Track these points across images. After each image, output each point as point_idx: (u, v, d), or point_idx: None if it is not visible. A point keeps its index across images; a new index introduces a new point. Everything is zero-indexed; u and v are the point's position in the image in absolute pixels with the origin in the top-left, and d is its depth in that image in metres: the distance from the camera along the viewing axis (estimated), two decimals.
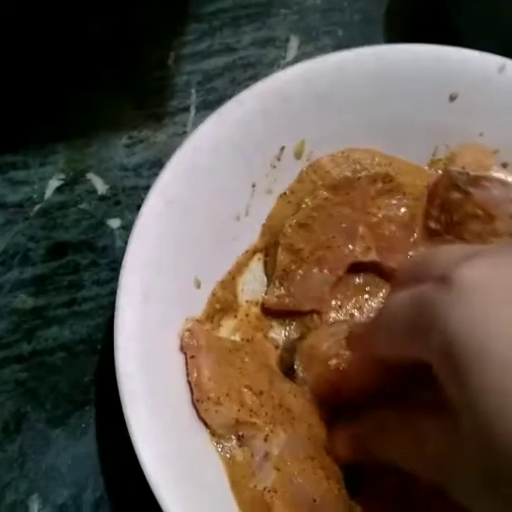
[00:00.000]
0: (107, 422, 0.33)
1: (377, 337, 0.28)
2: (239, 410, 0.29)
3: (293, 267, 0.34)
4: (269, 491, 0.28)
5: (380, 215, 0.35)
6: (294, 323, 0.36)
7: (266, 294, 0.35)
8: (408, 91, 0.36)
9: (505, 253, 0.24)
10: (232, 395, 0.29)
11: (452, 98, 0.36)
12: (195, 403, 0.29)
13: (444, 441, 0.24)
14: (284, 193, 0.36)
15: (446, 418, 0.24)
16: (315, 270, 0.35)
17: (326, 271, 0.35)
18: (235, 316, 0.35)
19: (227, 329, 0.34)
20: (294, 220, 0.34)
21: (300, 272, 0.35)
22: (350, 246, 0.35)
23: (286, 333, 0.36)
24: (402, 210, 0.36)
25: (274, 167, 0.35)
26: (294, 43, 0.45)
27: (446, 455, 0.24)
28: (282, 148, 0.35)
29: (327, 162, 0.36)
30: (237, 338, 0.34)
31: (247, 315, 0.35)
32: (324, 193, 0.35)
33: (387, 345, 0.27)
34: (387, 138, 0.37)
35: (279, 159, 0.35)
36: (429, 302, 0.23)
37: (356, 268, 0.36)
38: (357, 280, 0.37)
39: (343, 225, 0.35)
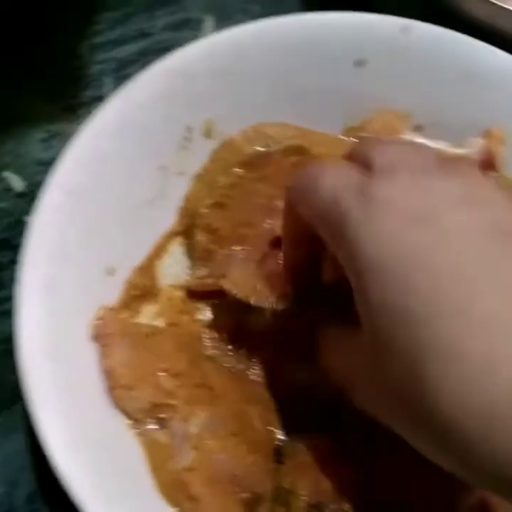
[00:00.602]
0: None
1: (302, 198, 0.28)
2: (154, 394, 0.29)
3: (213, 247, 0.34)
4: (186, 471, 0.28)
5: None
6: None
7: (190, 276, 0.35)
8: (314, 60, 0.35)
9: (424, 173, 0.24)
10: (146, 379, 0.30)
11: (359, 64, 0.36)
12: (109, 391, 0.29)
13: (349, 348, 0.26)
14: (199, 174, 0.35)
15: (351, 326, 0.25)
16: (237, 248, 0.34)
17: (248, 249, 0.35)
18: (156, 302, 0.34)
19: (148, 315, 0.34)
20: (210, 201, 0.34)
21: (222, 251, 0.34)
22: (270, 221, 0.35)
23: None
24: None
25: (185, 148, 0.35)
26: (209, 23, 0.45)
27: (351, 363, 0.26)
28: (190, 129, 0.35)
29: (239, 139, 0.35)
30: (159, 323, 0.34)
31: (169, 299, 0.35)
32: (238, 170, 0.34)
33: (306, 212, 0.27)
34: (299, 110, 0.37)
35: (189, 140, 0.35)
36: (344, 211, 0.24)
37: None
38: None
39: (261, 201, 0.35)
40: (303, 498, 0.30)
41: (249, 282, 0.35)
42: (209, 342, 0.35)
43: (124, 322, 0.31)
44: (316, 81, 0.36)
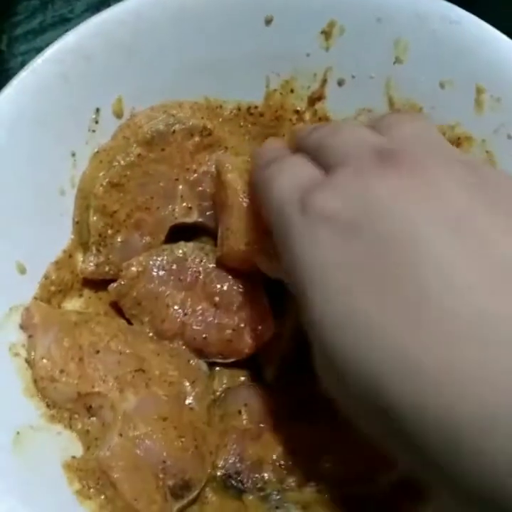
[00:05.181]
0: None
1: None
2: (77, 383, 0.30)
3: (110, 231, 0.33)
4: (106, 458, 0.29)
5: (200, 171, 0.34)
6: None
7: (83, 262, 0.34)
8: (220, 23, 0.34)
9: (361, 173, 0.24)
10: (69, 369, 0.30)
11: (268, 21, 0.33)
12: (34, 383, 0.29)
13: None
14: (96, 152, 0.34)
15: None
16: (135, 235, 0.33)
17: (146, 237, 0.34)
18: (81, 295, 0.33)
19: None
20: (106, 180, 0.33)
21: (119, 238, 0.34)
22: (170, 207, 0.33)
23: None
24: None
25: (94, 131, 0.33)
26: None
27: None
28: (97, 110, 0.33)
29: (142, 117, 0.34)
30: None
31: (96, 291, 0.34)
32: (137, 149, 0.33)
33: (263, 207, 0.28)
34: (215, 80, 0.35)
35: (96, 122, 0.33)
36: (287, 223, 0.25)
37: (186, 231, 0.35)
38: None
39: (161, 183, 0.34)
40: (220, 469, 0.31)
41: None
42: None
43: (49, 312, 0.31)
44: (227, 45, 0.35)
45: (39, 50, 0.43)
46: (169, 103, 0.35)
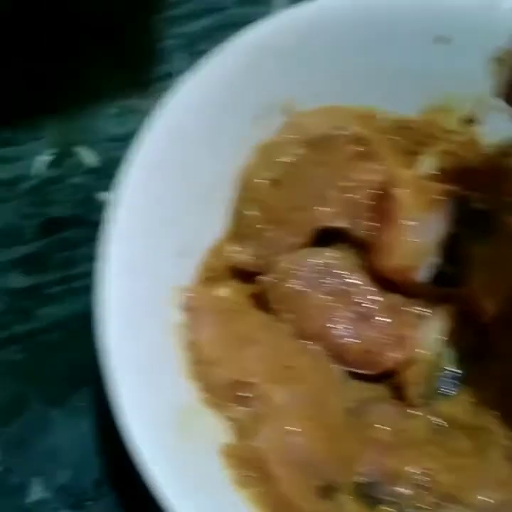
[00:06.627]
0: (106, 401, 0.32)
1: None
2: (235, 371, 0.30)
3: (263, 226, 0.33)
4: (264, 451, 0.28)
5: (354, 179, 0.34)
6: None
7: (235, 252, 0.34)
8: (394, 36, 0.35)
9: None
10: (228, 355, 0.30)
11: (437, 39, 0.34)
12: (192, 365, 0.29)
13: None
14: (261, 145, 0.34)
15: None
16: (284, 233, 0.34)
17: (294, 237, 0.34)
18: (227, 285, 0.33)
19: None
20: (268, 175, 0.33)
21: (270, 233, 0.34)
22: (319, 209, 0.33)
23: None
24: (375, 176, 0.34)
25: (261, 126, 0.33)
26: None
27: None
28: (269, 105, 0.33)
29: (307, 118, 0.34)
30: None
31: (240, 282, 0.34)
32: (301, 149, 0.33)
33: None
34: (381, 90, 0.36)
35: (264, 118, 0.33)
36: None
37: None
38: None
39: (316, 185, 0.34)
40: (358, 476, 0.30)
41: None
42: None
43: (214, 297, 0.32)
44: (397, 58, 0.35)
45: (189, 35, 0.44)
46: (333, 108, 0.35)
